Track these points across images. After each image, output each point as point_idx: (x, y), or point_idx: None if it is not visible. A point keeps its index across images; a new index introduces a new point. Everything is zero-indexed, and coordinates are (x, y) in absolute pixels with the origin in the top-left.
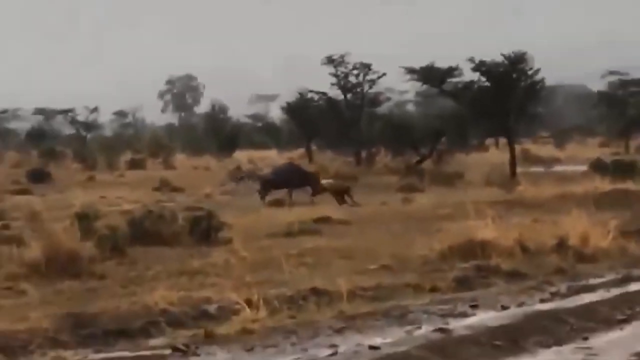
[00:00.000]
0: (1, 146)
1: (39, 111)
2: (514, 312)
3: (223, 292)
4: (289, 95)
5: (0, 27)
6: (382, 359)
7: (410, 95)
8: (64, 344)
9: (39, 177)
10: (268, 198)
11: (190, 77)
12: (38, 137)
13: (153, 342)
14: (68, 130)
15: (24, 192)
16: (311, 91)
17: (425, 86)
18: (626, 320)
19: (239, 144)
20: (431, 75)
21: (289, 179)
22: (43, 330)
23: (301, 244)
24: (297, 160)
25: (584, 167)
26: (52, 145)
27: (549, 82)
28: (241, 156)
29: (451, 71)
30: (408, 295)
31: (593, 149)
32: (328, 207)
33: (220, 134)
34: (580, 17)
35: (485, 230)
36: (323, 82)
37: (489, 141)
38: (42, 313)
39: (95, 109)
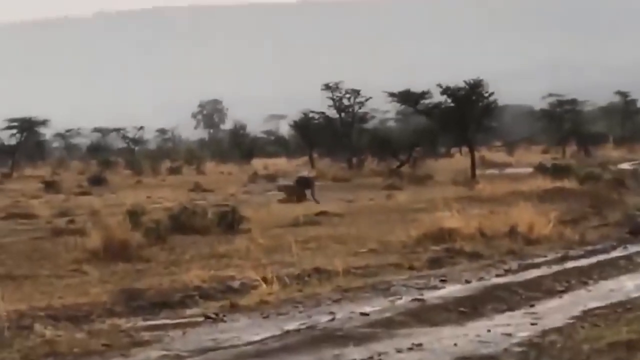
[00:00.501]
0: (67, 157)
1: (97, 130)
2: (475, 285)
3: (244, 272)
4: (295, 115)
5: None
6: (370, 324)
7: (391, 114)
8: (119, 314)
9: (97, 181)
10: (278, 196)
11: (217, 102)
12: (96, 150)
13: (189, 311)
14: (120, 144)
15: (85, 193)
16: (313, 112)
17: (403, 106)
18: (565, 291)
19: (255, 153)
20: (408, 98)
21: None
22: (102, 303)
23: (305, 233)
24: (302, 166)
25: (529, 170)
26: (108, 156)
27: (500, 102)
28: (257, 164)
29: (423, 95)
30: (391, 273)
31: (536, 155)
32: (327, 204)
33: (241, 146)
34: (525, 46)
35: (452, 220)
36: (322, 105)
37: (454, 149)
38: (100, 289)
39: (141, 128)
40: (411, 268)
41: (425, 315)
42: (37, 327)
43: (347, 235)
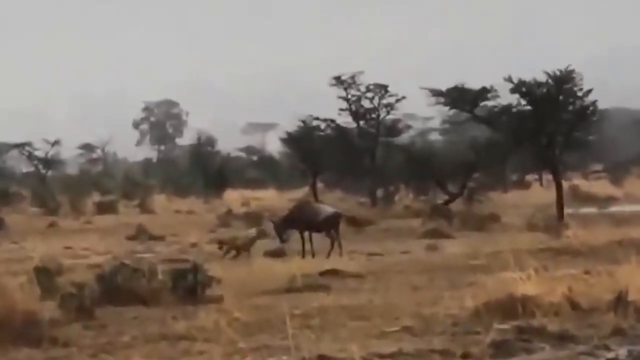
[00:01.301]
0: None
1: None
2: None
3: None
4: (289, 123)
5: None
6: None
7: (435, 122)
8: None
9: None
10: (266, 247)
11: (170, 103)
12: None
13: None
14: (25, 167)
15: None
16: (316, 118)
17: (453, 111)
18: None
19: (229, 181)
20: (461, 98)
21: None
22: None
23: (305, 302)
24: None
25: None
26: (5, 185)
27: (602, 104)
28: (233, 197)
29: (484, 92)
30: None
31: None
32: (339, 259)
33: (207, 171)
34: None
35: (527, 284)
36: (329, 108)
37: (531, 176)
38: None
39: (56, 142)
40: (466, 356)
41: None
42: None
43: (369, 306)
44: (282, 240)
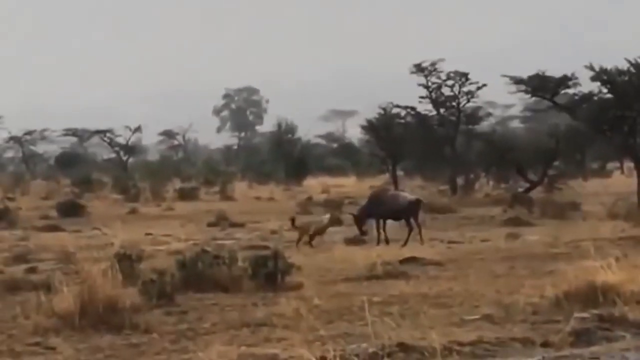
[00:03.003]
0: (27, 173)
1: (71, 132)
2: None
3: (292, 348)
4: (369, 110)
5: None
6: None
7: (515, 110)
8: None
9: (71, 210)
10: (346, 235)
11: (251, 90)
12: (70, 162)
13: None
14: (106, 154)
15: (53, 228)
16: (397, 106)
17: (534, 99)
18: None
19: (309, 169)
20: (541, 86)
21: None
22: None
23: (385, 290)
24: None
25: None
26: (87, 172)
27: None
28: (313, 184)
29: (566, 81)
30: (515, 352)
31: None
32: (417, 246)
33: (287, 158)
34: None
35: (608, 273)
36: (411, 95)
37: (613, 164)
38: None
39: (137, 129)
40: (546, 345)
41: None
42: None
43: (449, 293)
44: (362, 233)
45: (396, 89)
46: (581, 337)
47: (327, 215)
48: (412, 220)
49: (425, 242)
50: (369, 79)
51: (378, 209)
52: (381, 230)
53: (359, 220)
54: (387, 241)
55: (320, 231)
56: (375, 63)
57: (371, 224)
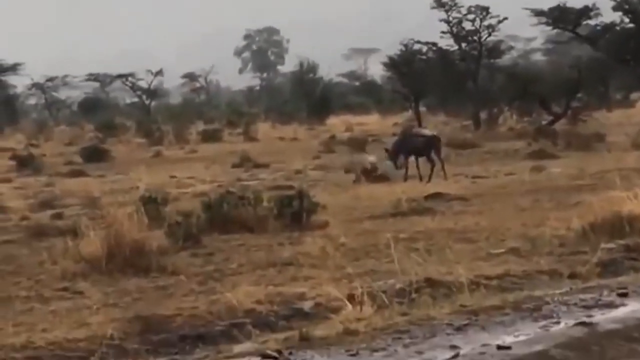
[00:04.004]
0: (50, 119)
1: (93, 77)
2: None
3: (319, 286)
4: (391, 47)
5: None
6: None
7: (537, 43)
8: (132, 353)
9: (95, 155)
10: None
11: (272, 31)
12: (93, 107)
13: (238, 348)
14: (128, 98)
15: (78, 173)
16: (418, 42)
17: (556, 31)
18: None
19: (332, 107)
20: (563, 17)
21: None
22: (107, 337)
23: (411, 226)
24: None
25: None
26: (110, 116)
27: None
28: (336, 123)
29: (587, 11)
30: (542, 284)
31: None
32: (443, 182)
33: (310, 97)
34: None
35: (635, 203)
36: (432, 32)
37: (636, 95)
38: (104, 317)
39: (159, 72)
40: (573, 276)
41: (596, 348)
42: None
43: (474, 228)
44: (397, 167)
45: (417, 26)
46: (608, 267)
47: (373, 156)
48: (434, 157)
49: (449, 177)
50: (390, 16)
51: (403, 145)
52: (408, 167)
53: (391, 155)
54: (420, 178)
55: (373, 170)
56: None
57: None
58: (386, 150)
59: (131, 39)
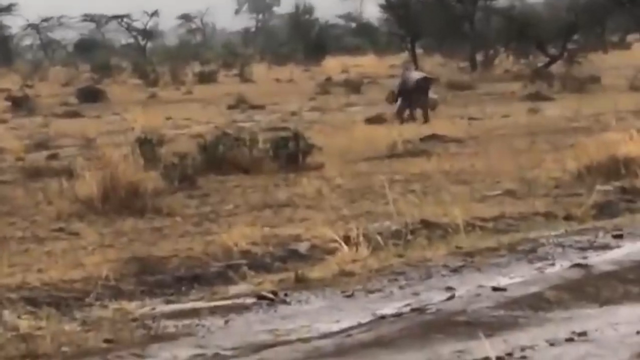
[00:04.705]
0: (45, 60)
1: (89, 17)
2: None
3: (315, 228)
4: None
5: None
6: (509, 303)
7: None
8: (128, 293)
9: (91, 96)
10: (366, 114)
11: None
12: (88, 48)
13: (234, 289)
14: (124, 39)
15: (73, 114)
16: None
17: None
18: None
19: (328, 49)
20: None
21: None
22: (102, 278)
23: (407, 168)
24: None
25: None
26: (105, 57)
27: None
28: (332, 64)
29: None
30: (538, 226)
31: None
32: (437, 123)
33: (306, 39)
34: None
35: (630, 144)
36: None
37: (632, 37)
38: (100, 258)
39: (155, 13)
40: (568, 218)
41: (591, 290)
42: (7, 315)
43: (470, 170)
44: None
45: None
46: (604, 209)
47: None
48: (422, 98)
49: (445, 118)
50: None
51: (400, 87)
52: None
53: (391, 96)
54: (413, 119)
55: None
56: None
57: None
58: (392, 91)
59: None
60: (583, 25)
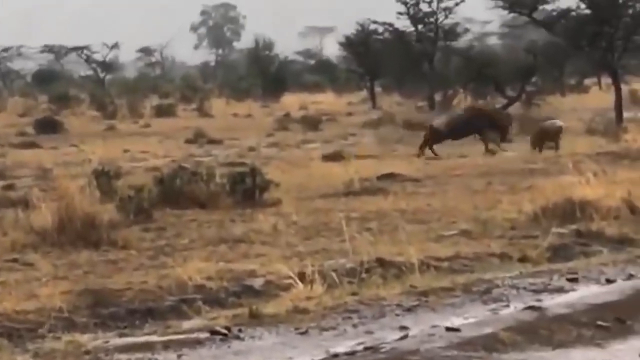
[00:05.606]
0: (3, 90)
1: (48, 48)
2: (621, 286)
3: (270, 264)
4: (347, 27)
5: None
6: (462, 344)
7: (493, 26)
8: (81, 326)
9: (48, 127)
10: (324, 151)
11: (228, 7)
12: (47, 79)
13: (187, 324)
14: (83, 70)
15: (31, 145)
16: (375, 22)
17: (512, 15)
18: None
19: (287, 85)
20: (520, 2)
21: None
22: (56, 310)
23: (363, 206)
24: (358, 105)
25: None
26: (64, 88)
27: None
28: (291, 100)
29: None
30: (493, 267)
31: None
32: (394, 161)
33: (265, 74)
34: None
35: (586, 188)
36: (388, 12)
37: (590, 80)
38: (54, 289)
39: (115, 46)
40: (524, 260)
41: (545, 332)
42: None
43: (426, 209)
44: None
45: (375, 5)
46: (559, 252)
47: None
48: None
49: (404, 158)
50: None
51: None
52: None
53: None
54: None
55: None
56: None
57: None
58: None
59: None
60: (541, 67)
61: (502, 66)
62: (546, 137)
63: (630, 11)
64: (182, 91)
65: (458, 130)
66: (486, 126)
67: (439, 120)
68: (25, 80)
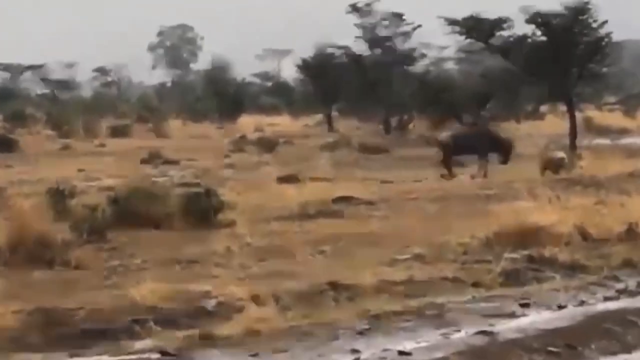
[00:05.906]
0: None
1: (4, 67)
2: (572, 312)
3: (224, 286)
4: (305, 49)
5: None
6: None
7: (450, 52)
8: (33, 345)
9: (3, 145)
10: (280, 173)
11: (185, 28)
12: (2, 97)
13: (139, 344)
14: (39, 89)
15: None
16: (332, 46)
17: (469, 40)
18: None
19: (244, 107)
20: (477, 28)
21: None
22: (7, 330)
23: (318, 228)
24: (314, 128)
25: None
26: (20, 107)
27: (617, 37)
28: (247, 122)
29: (500, 23)
30: (445, 291)
31: None
32: (350, 184)
33: (222, 96)
34: None
35: (539, 214)
36: (346, 36)
37: (545, 108)
38: (5, 309)
39: (71, 65)
40: (476, 285)
41: (495, 356)
42: None
43: (380, 233)
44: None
45: (333, 29)
46: (511, 277)
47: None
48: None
49: (358, 181)
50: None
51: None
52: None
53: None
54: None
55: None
56: (313, 2)
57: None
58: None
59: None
60: (497, 93)
61: (458, 91)
62: (549, 166)
63: (586, 39)
64: (138, 111)
65: (463, 144)
66: (490, 146)
67: (445, 134)
68: None
